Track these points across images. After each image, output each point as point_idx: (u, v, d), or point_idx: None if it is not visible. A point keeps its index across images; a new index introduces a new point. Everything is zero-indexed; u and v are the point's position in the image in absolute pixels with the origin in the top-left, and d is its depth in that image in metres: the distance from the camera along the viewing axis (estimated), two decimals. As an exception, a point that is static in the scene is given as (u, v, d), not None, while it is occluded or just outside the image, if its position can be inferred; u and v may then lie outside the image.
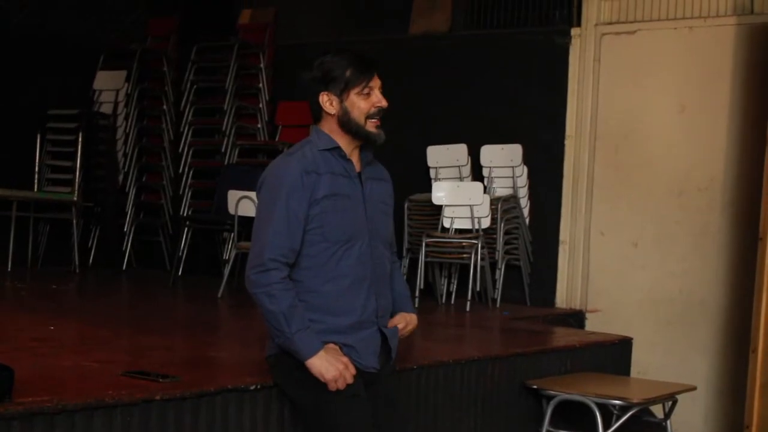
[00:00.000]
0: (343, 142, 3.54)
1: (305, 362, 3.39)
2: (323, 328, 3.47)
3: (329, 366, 3.38)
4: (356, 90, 3.47)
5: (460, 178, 7.94)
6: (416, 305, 6.97)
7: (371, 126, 3.51)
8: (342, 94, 3.48)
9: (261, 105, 9.42)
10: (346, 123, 3.50)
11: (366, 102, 3.48)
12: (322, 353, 3.39)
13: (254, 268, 3.40)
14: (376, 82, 3.50)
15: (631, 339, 6.38)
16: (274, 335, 3.44)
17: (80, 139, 9.00)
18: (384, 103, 3.51)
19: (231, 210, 7.39)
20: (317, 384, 3.42)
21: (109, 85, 9.74)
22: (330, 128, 3.54)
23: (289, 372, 3.55)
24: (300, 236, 3.42)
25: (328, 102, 3.50)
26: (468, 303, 7.23)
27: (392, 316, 3.71)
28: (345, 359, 3.43)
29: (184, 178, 9.50)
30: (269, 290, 3.37)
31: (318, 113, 3.55)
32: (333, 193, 3.46)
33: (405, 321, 3.73)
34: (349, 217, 3.49)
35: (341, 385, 3.39)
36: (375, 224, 3.58)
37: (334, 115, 3.51)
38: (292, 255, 3.42)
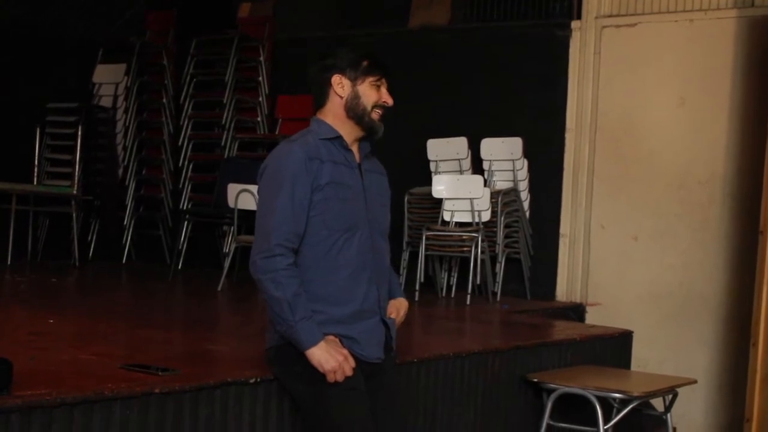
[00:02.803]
0: (345, 132, 3.56)
1: (305, 352, 3.38)
2: (324, 319, 3.46)
3: (329, 357, 3.38)
4: (371, 79, 3.56)
5: (460, 172, 7.93)
6: (416, 299, 7.07)
7: (375, 114, 3.56)
8: (356, 79, 3.55)
9: (260, 98, 9.41)
10: (353, 107, 3.55)
11: (376, 93, 3.57)
12: (322, 344, 3.39)
13: (260, 253, 3.39)
14: (385, 83, 3.61)
15: (632, 332, 6.37)
16: (277, 323, 3.43)
17: (80, 133, 8.98)
18: (390, 102, 3.60)
19: (231, 203, 7.38)
20: (316, 377, 3.42)
21: (109, 79, 9.73)
22: (333, 115, 3.57)
23: (288, 365, 3.54)
24: (304, 221, 3.43)
25: (339, 84, 3.56)
26: (468, 296, 7.22)
27: None
28: (345, 351, 3.43)
29: (183, 172, 9.49)
30: (275, 276, 3.36)
31: (324, 97, 3.59)
32: (335, 181, 3.48)
33: (396, 308, 3.72)
34: (350, 207, 3.50)
35: (340, 377, 3.39)
36: (374, 215, 3.59)
37: (343, 98, 3.55)
38: (297, 240, 3.42)
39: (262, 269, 3.38)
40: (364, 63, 3.55)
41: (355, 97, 3.54)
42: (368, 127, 3.57)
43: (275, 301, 3.37)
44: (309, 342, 3.38)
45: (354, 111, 3.54)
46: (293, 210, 3.40)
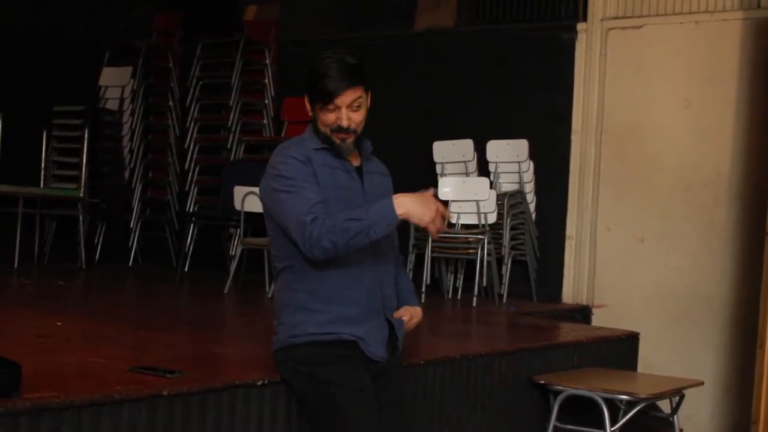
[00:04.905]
0: None
1: (400, 219, 3.36)
2: (329, 318, 3.48)
3: (420, 214, 3.36)
4: (320, 105, 3.48)
5: (466, 174, 7.93)
6: (423, 301, 7.05)
7: (336, 138, 3.51)
8: (312, 103, 3.52)
9: (266, 101, 9.42)
10: (317, 130, 3.55)
11: (330, 115, 3.48)
12: (399, 201, 3.35)
13: (305, 243, 3.36)
14: (344, 100, 3.45)
15: (638, 334, 6.36)
16: (366, 239, 3.35)
17: (86, 136, 9.00)
18: (343, 122, 3.47)
19: (237, 206, 7.39)
20: (323, 379, 3.43)
21: (115, 82, 9.74)
22: None
23: (294, 367, 3.56)
24: (319, 190, 3.43)
25: (307, 104, 3.56)
26: (474, 298, 7.22)
27: (397, 309, 3.72)
28: (428, 196, 3.42)
29: (189, 174, 9.50)
30: (321, 235, 3.32)
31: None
32: (332, 184, 3.48)
33: (410, 314, 3.74)
34: (350, 208, 3.49)
35: (438, 224, 3.38)
36: None
37: (310, 116, 3.57)
38: (322, 206, 3.41)
39: (315, 248, 3.35)
40: (317, 86, 3.44)
41: (315, 120, 3.53)
42: (332, 148, 3.53)
43: (343, 236, 3.32)
44: (391, 215, 3.34)
45: (317, 132, 3.54)
46: (307, 187, 3.41)
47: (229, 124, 9.36)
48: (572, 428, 5.14)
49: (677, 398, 5.45)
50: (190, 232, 8.67)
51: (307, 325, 3.52)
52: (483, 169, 8.02)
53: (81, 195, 8.82)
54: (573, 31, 7.96)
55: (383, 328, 3.61)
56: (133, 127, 9.74)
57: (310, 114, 3.55)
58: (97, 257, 9.38)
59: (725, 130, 7.24)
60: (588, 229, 7.83)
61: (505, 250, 7.60)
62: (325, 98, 3.44)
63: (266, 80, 9.44)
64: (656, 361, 7.04)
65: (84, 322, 5.57)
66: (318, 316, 3.50)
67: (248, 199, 7.27)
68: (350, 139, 3.52)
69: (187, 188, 9.51)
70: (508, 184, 7.91)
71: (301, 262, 3.49)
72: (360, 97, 3.48)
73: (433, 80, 8.51)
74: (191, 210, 9.32)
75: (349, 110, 3.46)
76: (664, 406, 5.75)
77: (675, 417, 5.49)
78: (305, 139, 3.58)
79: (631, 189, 7.66)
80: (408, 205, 3.34)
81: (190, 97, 9.65)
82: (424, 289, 7.30)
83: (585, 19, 7.92)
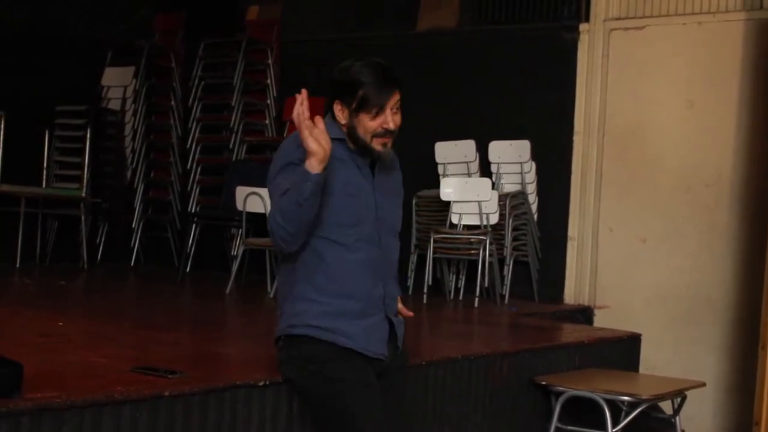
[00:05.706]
0: None
1: (315, 170, 3.28)
2: (329, 310, 3.47)
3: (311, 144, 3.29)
4: (362, 112, 3.47)
5: (468, 174, 7.93)
6: (425, 301, 7.07)
7: (377, 144, 3.50)
8: (352, 110, 3.48)
9: (269, 101, 9.41)
10: (353, 137, 3.52)
11: (374, 121, 3.47)
12: (310, 161, 3.29)
13: (273, 241, 3.39)
14: (390, 103, 3.49)
15: (640, 335, 6.36)
16: (297, 206, 3.29)
17: (88, 135, 9.01)
18: (390, 125, 3.49)
19: (239, 206, 7.39)
20: (329, 376, 3.44)
21: (117, 82, 9.75)
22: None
23: (300, 365, 3.55)
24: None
25: (340, 111, 3.52)
26: (476, 299, 7.21)
27: None
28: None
29: (191, 175, 9.50)
30: (274, 229, 3.34)
31: (332, 113, 3.56)
32: (341, 178, 3.47)
33: None
34: (357, 203, 3.50)
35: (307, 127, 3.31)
36: (383, 213, 3.59)
37: (344, 124, 3.52)
38: None
39: (283, 243, 3.37)
40: (360, 93, 3.45)
41: (353, 127, 3.50)
42: (370, 156, 3.52)
43: (286, 219, 3.30)
44: (306, 175, 3.27)
45: (354, 141, 3.51)
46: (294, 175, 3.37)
47: (231, 125, 9.36)
48: (574, 429, 5.14)
49: (679, 399, 5.45)
50: (192, 232, 8.67)
51: (306, 315, 3.50)
52: (485, 169, 8.02)
53: (83, 195, 8.83)
54: (575, 32, 7.95)
55: (382, 326, 3.60)
56: (136, 127, 9.74)
57: (344, 122, 3.50)
58: (98, 257, 9.38)
59: (727, 131, 7.23)
60: (590, 230, 7.83)
61: (507, 251, 7.59)
62: (374, 107, 3.44)
63: (268, 80, 9.44)
64: (658, 362, 7.03)
65: (85, 322, 5.57)
66: (318, 306, 3.49)
67: (250, 200, 7.26)
68: (390, 143, 3.53)
69: (189, 188, 9.51)
70: (510, 185, 7.90)
71: (304, 253, 3.48)
72: (399, 99, 3.52)
73: (434, 80, 8.50)
74: (193, 210, 9.33)
75: (391, 113, 3.49)
76: (666, 407, 5.75)
77: (677, 418, 5.49)
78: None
79: (633, 190, 7.66)
80: (309, 154, 3.28)
81: (192, 97, 9.65)
82: (426, 290, 7.30)
83: (587, 20, 7.91)
